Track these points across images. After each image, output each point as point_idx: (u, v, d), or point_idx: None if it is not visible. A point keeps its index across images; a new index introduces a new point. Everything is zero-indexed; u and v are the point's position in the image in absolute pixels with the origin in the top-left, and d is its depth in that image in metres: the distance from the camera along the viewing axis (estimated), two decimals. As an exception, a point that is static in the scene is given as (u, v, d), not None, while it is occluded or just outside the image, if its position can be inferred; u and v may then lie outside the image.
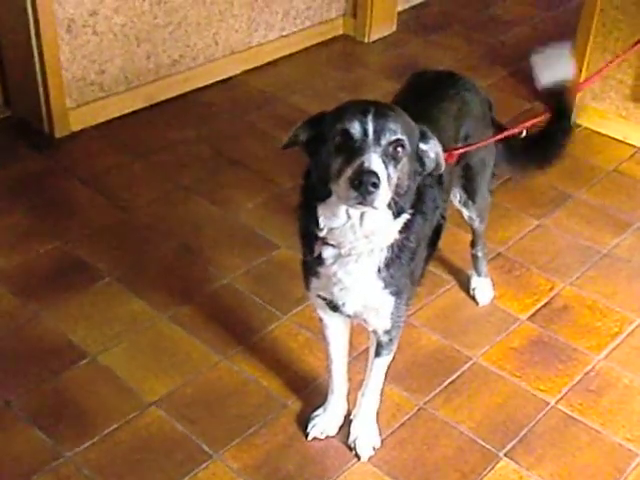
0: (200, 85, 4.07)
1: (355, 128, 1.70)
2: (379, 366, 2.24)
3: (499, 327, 2.79)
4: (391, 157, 1.72)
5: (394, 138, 1.72)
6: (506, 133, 2.31)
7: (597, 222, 3.28)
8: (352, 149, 1.69)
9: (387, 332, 2.11)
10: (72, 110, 3.67)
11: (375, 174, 1.64)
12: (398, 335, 2.17)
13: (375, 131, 1.70)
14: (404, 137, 1.73)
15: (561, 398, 2.54)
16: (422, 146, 1.82)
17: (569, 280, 3.00)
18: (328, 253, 1.91)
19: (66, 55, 3.59)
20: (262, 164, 3.53)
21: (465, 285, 2.93)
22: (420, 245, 2.01)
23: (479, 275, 2.88)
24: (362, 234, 1.82)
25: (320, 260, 1.93)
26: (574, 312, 2.86)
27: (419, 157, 1.82)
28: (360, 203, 1.67)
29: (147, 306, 2.79)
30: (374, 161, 1.67)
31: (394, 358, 2.26)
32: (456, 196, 2.56)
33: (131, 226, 3.17)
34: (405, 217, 1.85)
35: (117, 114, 3.80)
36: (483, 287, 2.88)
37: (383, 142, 1.71)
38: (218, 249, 3.06)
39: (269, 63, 4.29)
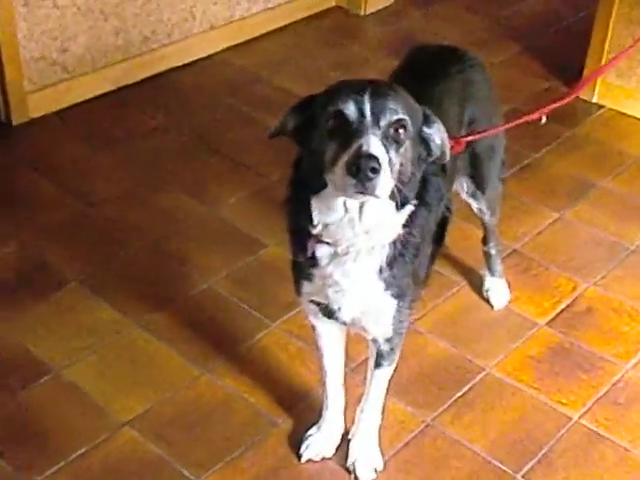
0: (175, 65, 4.06)
1: (350, 109, 1.70)
2: (380, 378, 2.25)
3: (515, 333, 2.80)
4: (392, 140, 1.72)
5: (395, 118, 1.72)
6: (523, 119, 2.30)
7: (624, 214, 3.30)
8: (348, 132, 1.70)
9: (388, 340, 2.12)
10: (31, 94, 3.66)
11: (375, 158, 1.64)
12: (401, 343, 2.18)
13: (373, 111, 1.70)
14: (406, 118, 1.74)
15: (585, 412, 2.55)
16: (426, 130, 1.83)
17: (593, 280, 3.01)
18: (323, 252, 1.91)
19: (23, 32, 3.57)
20: (246, 153, 3.53)
21: (477, 286, 2.95)
22: (425, 240, 2.03)
23: (493, 275, 2.89)
24: (362, 229, 1.83)
25: (313, 260, 1.94)
26: (599, 316, 2.87)
27: (424, 141, 1.83)
28: (359, 192, 1.67)
29: (117, 314, 2.80)
30: (373, 143, 1.67)
31: (397, 369, 2.27)
32: (463, 187, 2.57)
33: (99, 224, 3.18)
34: (409, 208, 1.86)
35: (82, 98, 3.79)
36: (498, 288, 2.90)
37: (382, 123, 1.71)
38: (197, 249, 3.07)
39: (253, 39, 4.30)
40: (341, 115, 1.71)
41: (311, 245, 1.91)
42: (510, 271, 3.00)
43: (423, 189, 1.89)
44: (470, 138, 2.26)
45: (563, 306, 2.90)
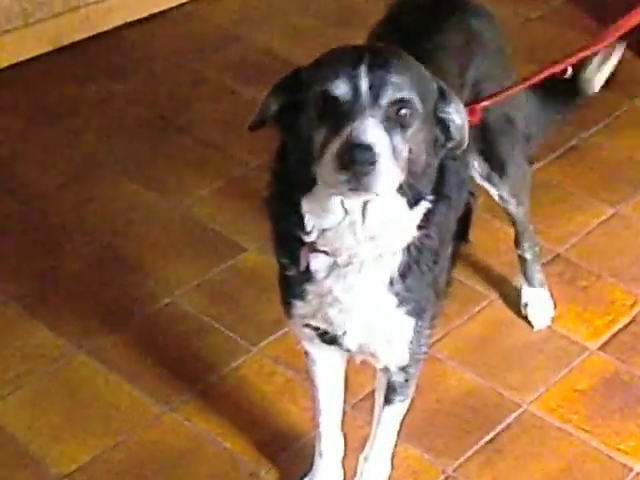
0: (129, 19, 4.05)
1: (341, 88, 1.71)
2: (390, 417, 2.25)
3: (559, 360, 2.79)
4: (397, 122, 1.72)
5: (399, 96, 1.72)
6: (545, 73, 2.28)
7: (698, 210, 3.38)
8: (340, 115, 1.70)
9: (403, 369, 2.13)
10: (-54, 55, 3.73)
11: (369, 147, 1.64)
12: (417, 373, 2.19)
13: (372, 87, 1.70)
14: (413, 94, 1.74)
15: (650, 463, 2.59)
16: (444, 109, 1.84)
17: (657, 293, 3.07)
18: (319, 264, 1.92)
19: None
20: (218, 133, 3.54)
21: (510, 300, 2.98)
22: (445, 242, 2.05)
23: (531, 285, 2.91)
24: (366, 235, 1.83)
25: (308, 274, 1.94)
26: (665, 338, 2.92)
27: (440, 123, 1.84)
28: (354, 189, 1.68)
29: (57, 337, 2.80)
30: (369, 128, 1.67)
31: (411, 406, 2.26)
32: (475, 168, 2.58)
33: (32, 223, 3.18)
34: (425, 205, 1.86)
35: (11, 61, 3.78)
36: (538, 302, 2.91)
37: (383, 102, 1.71)
38: (158, 254, 3.08)
39: (227, -13, 4.41)
40: (331, 96, 1.72)
41: (304, 255, 1.91)
42: (553, 281, 2.99)
43: (440, 179, 1.89)
44: (486, 103, 2.25)
45: (620, 326, 2.90)
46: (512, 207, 2.73)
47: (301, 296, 2.00)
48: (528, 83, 2.33)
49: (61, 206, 3.24)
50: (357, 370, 2.36)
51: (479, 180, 2.62)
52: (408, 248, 1.91)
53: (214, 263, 3.05)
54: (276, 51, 3.85)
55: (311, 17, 4.16)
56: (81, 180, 3.34)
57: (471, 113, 2.11)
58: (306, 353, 2.25)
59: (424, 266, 1.95)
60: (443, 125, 1.84)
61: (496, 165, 2.59)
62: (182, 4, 4.21)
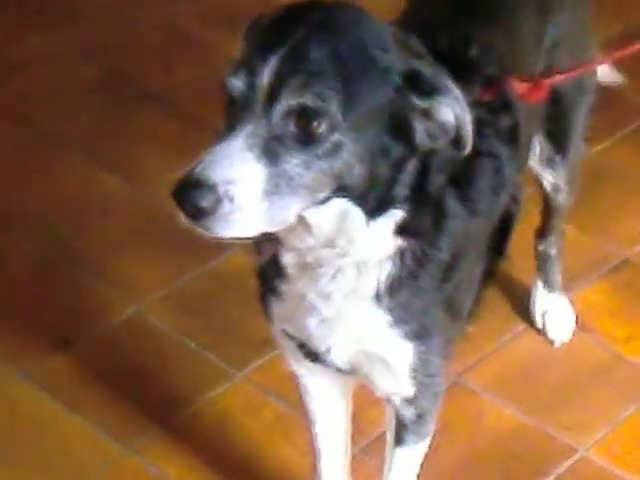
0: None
1: (238, 84, 1.66)
2: (403, 463, 2.22)
3: (626, 394, 2.77)
4: (297, 138, 1.64)
5: (302, 103, 1.62)
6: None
7: None
8: (229, 122, 1.68)
9: (410, 402, 2.09)
10: None
11: (208, 188, 1.62)
12: (433, 409, 2.14)
13: (273, 87, 1.63)
14: (331, 97, 1.64)
15: None
16: (418, 102, 1.73)
17: None
18: (288, 259, 1.91)
19: None
20: (194, 99, 3.48)
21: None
22: (468, 256, 2.02)
23: (551, 289, 2.93)
24: (320, 239, 1.81)
25: (279, 270, 1.95)
26: None
27: (411, 119, 1.74)
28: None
29: (-10, 359, 2.77)
30: (220, 161, 1.63)
31: (434, 449, 2.22)
32: (535, 152, 2.58)
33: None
34: (396, 215, 1.80)
35: None
36: (560, 310, 2.93)
37: (277, 111, 1.63)
38: (120, 253, 3.07)
39: None
40: (228, 93, 1.69)
41: (267, 249, 1.92)
42: (618, 294, 3.00)
43: (465, 179, 1.90)
44: (559, 78, 2.17)
45: (703, 350, 2.87)
46: (562, 197, 2.74)
47: (276, 292, 2.00)
48: (614, 56, 2.30)
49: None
50: (369, 403, 2.32)
51: (535, 167, 2.62)
52: (401, 259, 1.88)
53: (189, 265, 3.03)
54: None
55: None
56: (22, 161, 3.33)
57: (536, 89, 2.09)
58: (297, 377, 2.24)
59: (426, 282, 1.93)
60: (418, 122, 1.76)
61: (561, 145, 2.60)
62: None
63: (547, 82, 2.12)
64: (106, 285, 2.97)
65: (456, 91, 1.73)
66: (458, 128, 1.75)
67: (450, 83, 1.74)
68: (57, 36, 3.74)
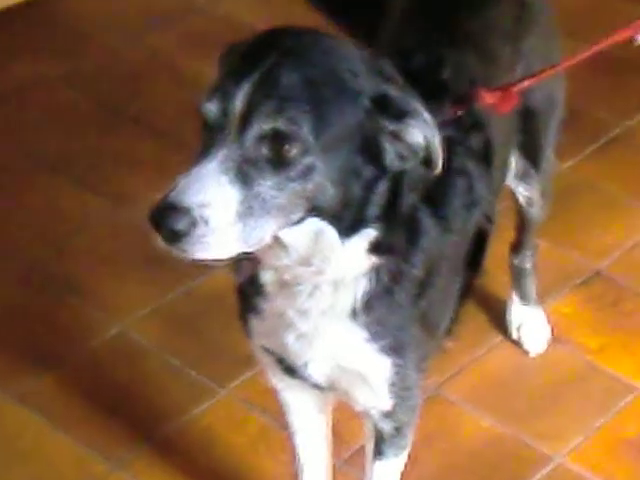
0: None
1: (212, 108, 1.69)
2: (383, 474, 2.22)
3: (601, 402, 2.77)
4: (269, 161, 1.68)
5: (274, 127, 1.66)
6: (609, 40, 2.21)
7: None
8: (204, 146, 1.71)
9: (389, 415, 2.11)
10: None
11: (183, 211, 1.64)
12: (411, 421, 2.17)
13: (246, 112, 1.67)
14: (303, 122, 1.67)
15: None
16: (389, 125, 1.77)
17: None
18: (267, 278, 1.95)
19: None
20: (178, 122, 3.45)
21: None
22: (440, 272, 2.03)
23: (526, 302, 2.94)
24: (296, 258, 1.84)
25: (258, 288, 1.98)
26: None
27: (381, 142, 1.78)
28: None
29: (-26, 378, 2.75)
30: (195, 184, 1.66)
31: (416, 459, 2.26)
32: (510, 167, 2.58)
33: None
34: (370, 234, 1.83)
35: None
36: (535, 323, 2.94)
37: (249, 136, 1.66)
38: (104, 272, 3.07)
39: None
40: (203, 118, 1.72)
41: (244, 268, 1.95)
42: (591, 305, 2.99)
43: (437, 197, 1.93)
44: (527, 83, 2.18)
45: (676, 362, 2.85)
46: (536, 210, 2.74)
47: (256, 310, 2.03)
48: (583, 56, 2.26)
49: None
50: (350, 415, 2.31)
51: (511, 181, 2.62)
52: (377, 275, 1.91)
53: (171, 284, 3.04)
54: (241, 21, 3.90)
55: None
56: (7, 182, 3.33)
57: (506, 99, 2.10)
58: (276, 392, 2.27)
59: (401, 298, 1.96)
60: (388, 144, 1.78)
61: (534, 159, 2.59)
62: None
63: (516, 88, 2.13)
64: (89, 304, 2.97)
65: (425, 114, 1.76)
66: (427, 149, 1.78)
67: (419, 106, 1.76)
68: (39, 63, 3.75)
